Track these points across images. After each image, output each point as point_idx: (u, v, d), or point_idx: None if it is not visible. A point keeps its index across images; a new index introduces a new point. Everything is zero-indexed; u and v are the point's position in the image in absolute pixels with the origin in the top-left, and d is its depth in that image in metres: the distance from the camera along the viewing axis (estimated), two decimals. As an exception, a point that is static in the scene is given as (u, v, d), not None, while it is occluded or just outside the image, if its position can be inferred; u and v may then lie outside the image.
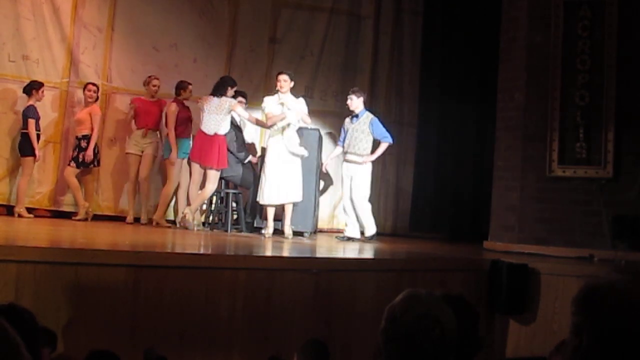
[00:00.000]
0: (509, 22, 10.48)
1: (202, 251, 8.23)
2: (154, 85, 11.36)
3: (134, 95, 11.60)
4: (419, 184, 12.96)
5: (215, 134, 10.43)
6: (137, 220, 11.25)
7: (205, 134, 10.48)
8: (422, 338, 2.49)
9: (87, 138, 10.97)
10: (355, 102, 10.92)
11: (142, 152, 11.26)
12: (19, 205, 10.78)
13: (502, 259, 8.47)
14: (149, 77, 11.41)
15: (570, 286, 7.72)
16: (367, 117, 10.94)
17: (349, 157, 10.85)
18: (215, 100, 10.46)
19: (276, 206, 10.32)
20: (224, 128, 10.51)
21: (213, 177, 10.51)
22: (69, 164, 11.03)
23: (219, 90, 10.54)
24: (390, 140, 10.94)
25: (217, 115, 10.43)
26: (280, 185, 10.19)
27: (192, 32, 12.16)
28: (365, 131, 10.81)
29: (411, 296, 2.58)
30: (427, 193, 12.80)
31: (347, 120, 11.08)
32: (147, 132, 11.28)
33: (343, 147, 11.03)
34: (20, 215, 10.66)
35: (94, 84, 11.19)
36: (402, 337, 2.51)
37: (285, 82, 10.39)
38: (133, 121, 11.41)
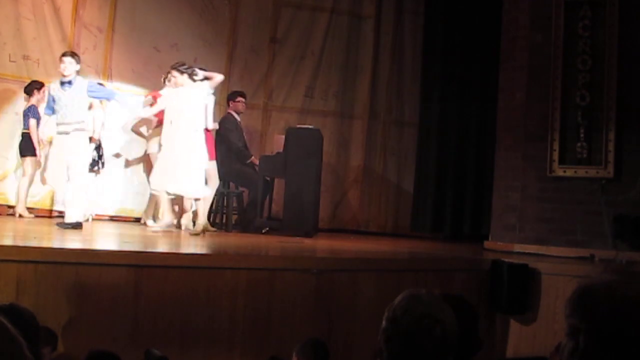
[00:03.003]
0: (510, 22, 10.48)
1: (202, 251, 8.23)
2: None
3: (134, 95, 11.60)
4: (420, 184, 12.96)
5: None
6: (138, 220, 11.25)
7: None
8: (423, 338, 2.50)
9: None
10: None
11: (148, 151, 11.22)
12: (20, 205, 10.77)
13: (503, 259, 8.47)
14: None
15: (571, 286, 7.69)
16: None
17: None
18: None
19: (171, 196, 9.86)
20: None
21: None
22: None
23: None
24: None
25: None
26: (174, 175, 9.58)
27: (192, 32, 12.17)
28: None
29: (411, 296, 2.59)
30: (428, 193, 12.79)
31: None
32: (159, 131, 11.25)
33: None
34: (21, 215, 10.66)
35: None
36: (403, 337, 2.51)
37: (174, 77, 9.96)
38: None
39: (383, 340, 2.56)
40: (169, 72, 10.28)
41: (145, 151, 11.26)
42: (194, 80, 9.76)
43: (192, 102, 9.64)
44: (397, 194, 13.35)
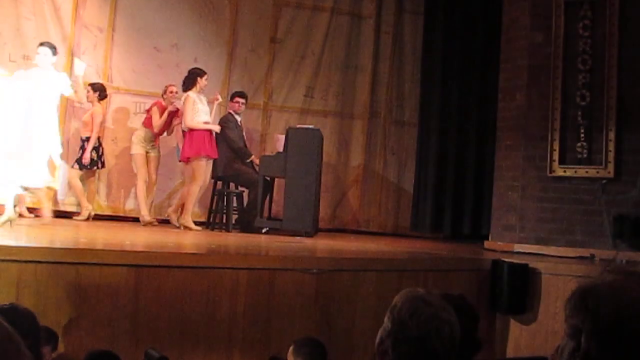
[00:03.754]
0: (510, 22, 10.48)
1: (203, 251, 8.22)
2: (171, 92, 11.28)
3: (135, 95, 11.62)
4: (420, 184, 12.96)
5: None
6: (136, 220, 11.24)
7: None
8: (433, 340, 2.50)
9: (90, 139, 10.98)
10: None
11: (148, 154, 11.19)
12: (21, 205, 10.77)
13: (503, 259, 8.48)
14: (167, 86, 11.38)
15: (571, 286, 7.70)
16: None
17: None
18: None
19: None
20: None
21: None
22: (72, 166, 11.04)
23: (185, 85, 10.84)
24: None
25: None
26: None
27: (192, 32, 12.18)
28: None
29: (416, 297, 2.58)
30: (428, 193, 12.79)
31: None
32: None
33: None
34: (21, 215, 10.66)
35: (93, 84, 11.17)
36: (412, 340, 2.51)
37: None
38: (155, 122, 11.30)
39: (390, 343, 2.55)
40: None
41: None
42: None
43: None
44: (397, 194, 13.35)
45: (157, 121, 11.06)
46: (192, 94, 10.74)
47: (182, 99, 10.87)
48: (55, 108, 9.50)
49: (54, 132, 9.33)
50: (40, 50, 9.40)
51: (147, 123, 11.17)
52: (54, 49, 9.47)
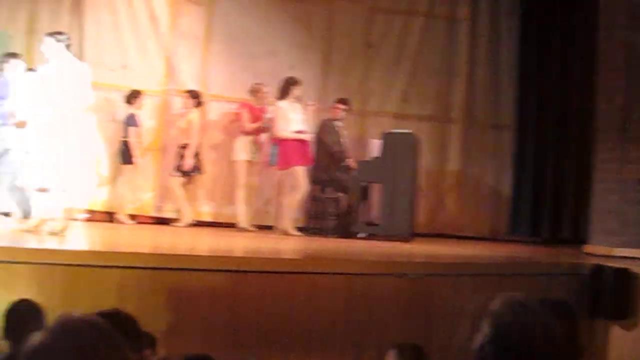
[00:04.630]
0: (607, 22, 10.26)
1: (300, 256, 8.26)
2: (262, 93, 11.38)
3: (231, 102, 11.73)
4: (517, 188, 12.76)
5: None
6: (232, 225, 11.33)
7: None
8: (535, 345, 2.46)
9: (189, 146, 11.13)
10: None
11: (251, 158, 11.28)
12: (120, 212, 11.00)
13: (603, 263, 8.29)
14: (256, 84, 11.43)
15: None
16: None
17: None
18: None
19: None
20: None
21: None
22: (171, 173, 11.20)
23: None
24: None
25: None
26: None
27: (288, 38, 12.22)
28: None
29: (515, 302, 2.55)
30: (526, 196, 12.59)
31: None
32: (255, 138, 11.34)
33: None
34: (122, 222, 10.88)
35: (191, 91, 11.33)
36: (515, 346, 2.47)
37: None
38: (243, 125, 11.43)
39: (491, 350, 2.52)
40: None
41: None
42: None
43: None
44: (495, 198, 13.17)
45: (247, 125, 11.18)
46: (283, 103, 10.80)
47: (273, 106, 10.97)
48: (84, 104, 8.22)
49: (87, 132, 8.44)
50: (44, 40, 8.19)
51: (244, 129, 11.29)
52: (58, 35, 8.16)
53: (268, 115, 11.20)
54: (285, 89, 10.87)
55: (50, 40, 8.03)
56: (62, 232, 7.80)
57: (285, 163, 10.79)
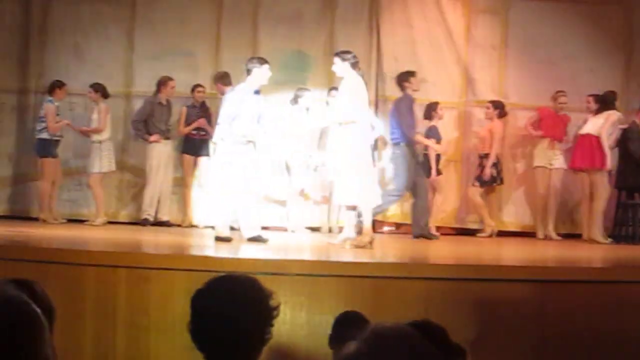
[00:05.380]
0: None
1: (609, 265, 7.96)
2: (561, 103, 11.19)
3: (531, 110, 11.56)
4: None
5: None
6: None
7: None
8: None
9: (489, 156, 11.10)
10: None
11: (551, 164, 11.12)
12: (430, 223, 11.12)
13: None
14: (557, 92, 11.23)
15: None
16: None
17: None
18: None
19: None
20: None
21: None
22: (472, 184, 11.23)
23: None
24: None
25: None
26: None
27: (586, 42, 11.83)
28: None
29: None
30: None
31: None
32: (554, 144, 11.16)
33: None
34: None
35: (492, 102, 11.30)
36: None
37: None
38: (535, 131, 11.30)
39: None
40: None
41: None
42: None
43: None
44: None
45: (542, 132, 11.07)
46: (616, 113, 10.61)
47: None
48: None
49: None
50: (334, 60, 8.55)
51: (547, 132, 11.10)
52: (343, 54, 8.50)
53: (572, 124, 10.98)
54: (609, 103, 10.69)
55: (337, 60, 8.41)
56: (369, 244, 8.07)
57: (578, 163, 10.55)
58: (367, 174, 8.23)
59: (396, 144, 10.08)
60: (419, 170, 10.34)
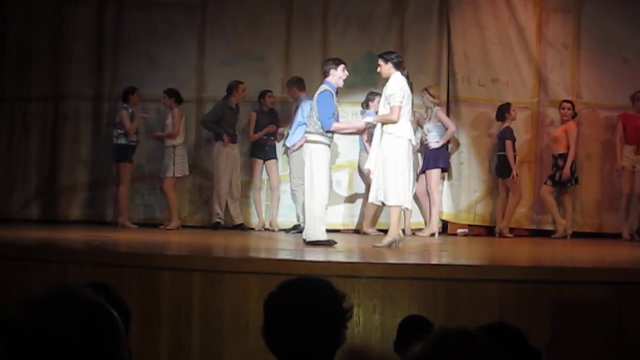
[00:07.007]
0: None
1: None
2: None
3: (605, 109, 11.38)
4: None
5: None
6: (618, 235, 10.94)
7: None
8: None
9: (564, 156, 10.94)
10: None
11: (634, 168, 10.91)
12: (504, 224, 11.01)
13: None
14: (638, 92, 11.02)
15: None
16: None
17: None
18: None
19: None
20: None
21: None
22: (544, 183, 11.11)
23: None
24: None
25: None
26: None
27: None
28: None
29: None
30: None
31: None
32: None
33: None
34: (501, 235, 10.94)
35: (568, 102, 11.14)
36: None
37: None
38: (620, 137, 11.07)
39: None
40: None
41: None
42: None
43: None
44: None
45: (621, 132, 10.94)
46: None
47: None
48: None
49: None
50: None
51: (633, 140, 10.91)
52: (386, 55, 8.58)
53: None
54: None
55: (380, 61, 8.44)
56: (399, 244, 8.18)
57: None
58: (402, 174, 8.21)
59: None
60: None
